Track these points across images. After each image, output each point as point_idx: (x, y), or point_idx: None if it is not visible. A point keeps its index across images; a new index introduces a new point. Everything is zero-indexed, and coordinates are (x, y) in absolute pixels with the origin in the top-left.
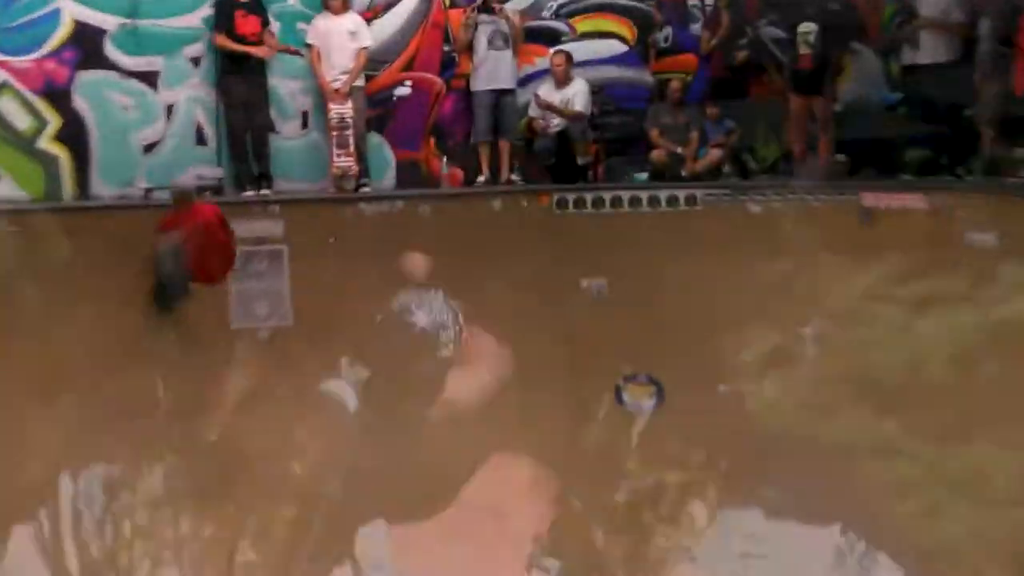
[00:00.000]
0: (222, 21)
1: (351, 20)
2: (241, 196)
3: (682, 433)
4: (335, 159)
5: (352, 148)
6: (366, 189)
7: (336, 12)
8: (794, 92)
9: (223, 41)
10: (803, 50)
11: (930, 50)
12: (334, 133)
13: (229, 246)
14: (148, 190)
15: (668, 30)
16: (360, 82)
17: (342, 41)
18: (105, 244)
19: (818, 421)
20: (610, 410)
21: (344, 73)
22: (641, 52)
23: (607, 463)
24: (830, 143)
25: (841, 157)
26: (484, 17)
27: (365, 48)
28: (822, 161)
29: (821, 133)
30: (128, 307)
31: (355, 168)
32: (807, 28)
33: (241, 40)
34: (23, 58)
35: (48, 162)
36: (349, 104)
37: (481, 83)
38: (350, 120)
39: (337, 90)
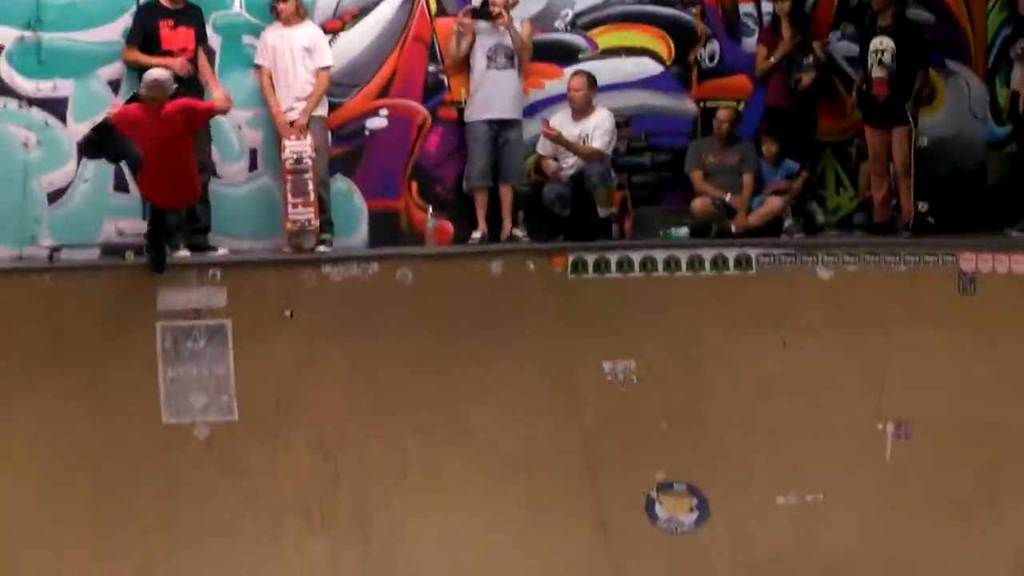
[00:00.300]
0: (139, 31)
1: (306, 33)
2: (173, 256)
3: (732, 558)
4: (290, 210)
5: (312, 196)
6: (325, 248)
7: (287, 22)
8: (869, 125)
9: (135, 56)
10: (877, 72)
11: None
12: (289, 177)
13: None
14: (53, 250)
15: (714, 45)
16: (321, 111)
17: (295, 59)
18: None
19: (908, 541)
20: (640, 528)
21: (301, 100)
22: (680, 73)
23: None
24: (912, 190)
25: (923, 205)
26: (483, 25)
27: (325, 68)
28: (904, 213)
29: (901, 177)
30: (30, 395)
31: (315, 222)
32: (881, 44)
33: (167, 56)
34: None
35: None
36: (308, 140)
37: (477, 112)
38: (309, 161)
39: (292, 122)
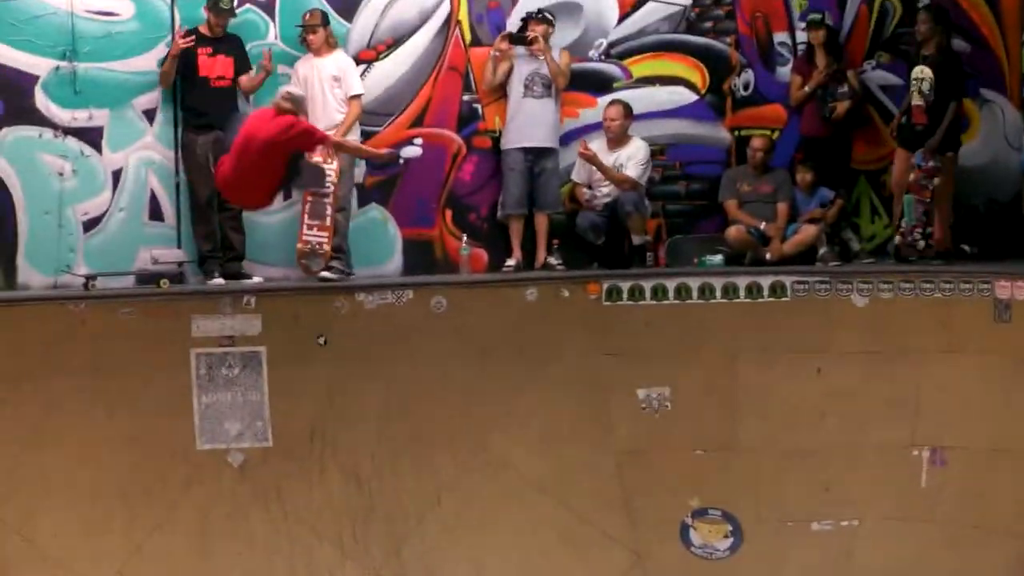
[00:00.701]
0: (177, 55)
1: (335, 62)
2: (208, 285)
3: None
4: (304, 231)
5: (328, 221)
6: (330, 274)
7: (318, 53)
8: (903, 151)
9: (169, 67)
10: (916, 100)
11: None
12: (310, 199)
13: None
14: (89, 278)
15: (749, 75)
16: (352, 138)
17: (324, 88)
18: (33, 346)
19: (944, 568)
20: (674, 554)
21: (330, 129)
22: (715, 102)
23: None
24: (947, 218)
25: (968, 247)
26: (520, 52)
27: (356, 97)
28: (938, 241)
29: (936, 205)
30: (68, 420)
31: (327, 246)
32: (921, 73)
33: (204, 83)
34: None
35: None
36: (335, 164)
37: (514, 140)
38: (331, 185)
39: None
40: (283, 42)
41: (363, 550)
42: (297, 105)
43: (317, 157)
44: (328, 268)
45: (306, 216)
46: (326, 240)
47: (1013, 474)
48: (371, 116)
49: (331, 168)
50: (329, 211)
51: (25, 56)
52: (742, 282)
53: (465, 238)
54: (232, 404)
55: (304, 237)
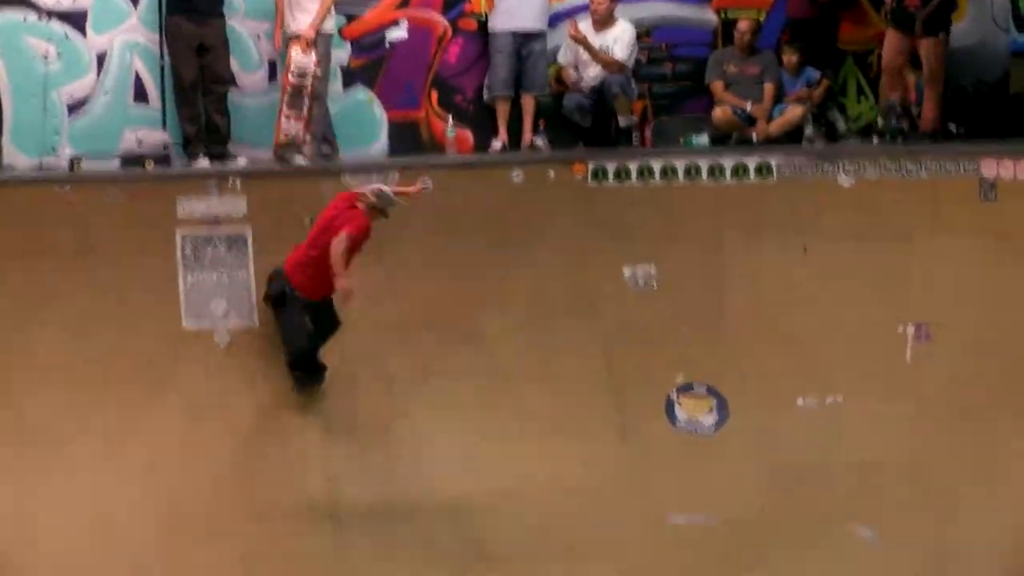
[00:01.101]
0: None
1: None
2: (193, 167)
3: (751, 459)
4: (283, 122)
5: (304, 111)
6: (302, 161)
7: None
8: (895, 32)
9: None
10: None
11: None
12: (288, 89)
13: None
14: (74, 160)
15: None
16: (328, 27)
17: None
18: (19, 228)
19: (929, 443)
20: (660, 431)
21: (307, 13)
22: None
23: (652, 501)
24: (938, 98)
25: (953, 126)
26: None
27: None
28: (927, 121)
29: (927, 85)
30: (53, 301)
31: (304, 136)
32: None
33: None
34: None
35: None
36: (313, 57)
37: (502, 22)
38: (311, 77)
39: (298, 35)
40: None
41: (351, 429)
42: (382, 207)
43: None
44: (301, 153)
45: (284, 107)
46: (302, 130)
47: (997, 351)
48: None
49: (311, 61)
50: (307, 103)
51: None
52: (728, 163)
53: (451, 120)
54: (218, 284)
55: (283, 129)
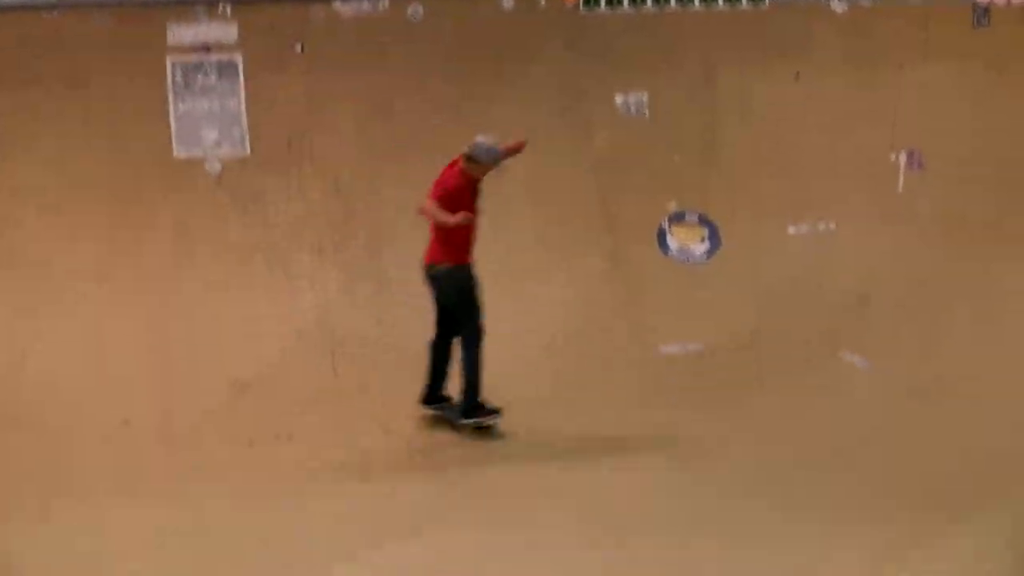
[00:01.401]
0: None
1: None
2: None
3: (742, 286)
4: None
5: None
6: None
7: None
8: None
9: None
10: None
11: None
12: None
13: None
14: None
15: None
16: None
17: None
18: (8, 56)
19: (921, 271)
20: (651, 258)
21: None
22: None
23: (643, 328)
24: None
25: None
26: None
27: None
28: None
29: None
30: (44, 125)
31: None
32: None
33: None
34: None
35: None
36: None
37: None
38: None
39: None
40: None
41: (342, 256)
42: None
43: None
44: None
45: None
46: None
47: (988, 178)
48: None
49: None
50: None
51: None
52: None
53: None
54: (209, 112)
55: None
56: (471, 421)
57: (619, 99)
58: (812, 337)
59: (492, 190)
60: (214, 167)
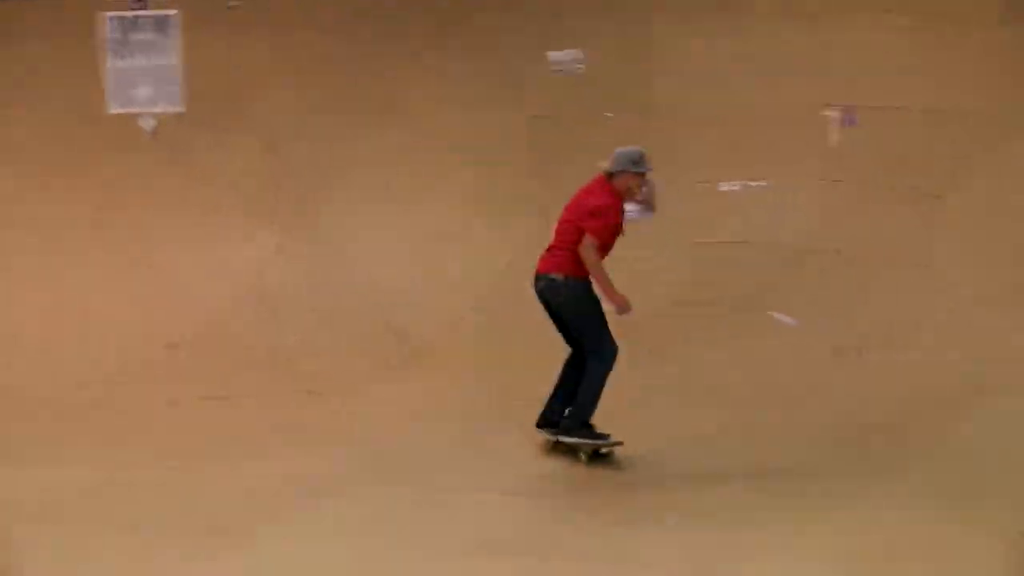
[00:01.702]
0: None
1: None
2: None
3: (675, 241)
4: None
5: None
6: None
7: None
8: None
9: None
10: None
11: None
12: None
13: None
14: None
15: None
16: None
17: None
18: None
19: (853, 226)
20: None
21: None
22: None
23: None
24: None
25: None
26: None
27: None
28: None
29: None
30: None
31: None
32: None
33: None
34: None
35: None
36: None
37: None
38: None
39: None
40: None
41: (275, 215)
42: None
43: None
44: None
45: None
46: None
47: (923, 132)
48: None
49: None
50: None
51: None
52: None
53: None
54: (144, 69)
55: None
56: (579, 441)
57: (553, 56)
58: (742, 295)
59: (424, 146)
60: (148, 124)
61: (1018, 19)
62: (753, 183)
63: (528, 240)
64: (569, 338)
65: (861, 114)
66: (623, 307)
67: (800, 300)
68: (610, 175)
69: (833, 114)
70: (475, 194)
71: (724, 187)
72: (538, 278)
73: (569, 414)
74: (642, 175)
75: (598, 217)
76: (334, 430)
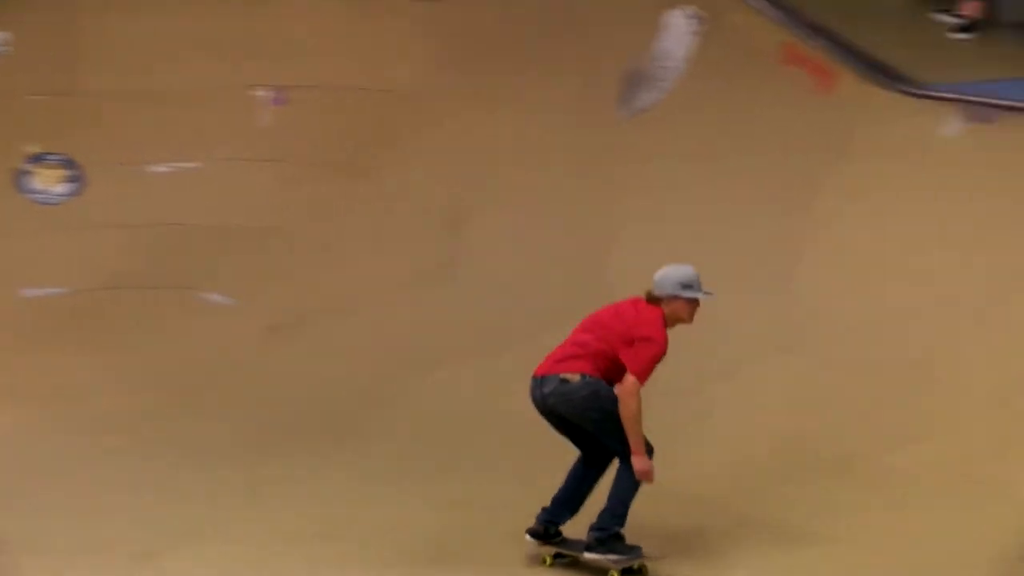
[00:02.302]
0: None
1: None
2: None
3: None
4: None
5: None
6: None
7: None
8: None
9: None
10: None
11: None
12: None
13: None
14: None
15: None
16: None
17: None
18: None
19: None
20: (10, 200)
21: None
22: None
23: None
24: None
25: None
26: None
27: None
28: None
29: None
30: None
31: None
32: None
33: None
34: None
35: None
36: None
37: None
38: None
39: None
40: None
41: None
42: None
43: None
44: None
45: None
46: None
47: (352, 111)
48: None
49: None
50: None
51: None
52: None
53: None
54: None
55: None
56: (610, 558)
57: None
58: (176, 277)
59: None
60: None
61: None
62: (184, 164)
63: None
64: (581, 442)
65: (292, 94)
66: (648, 475)
67: (235, 280)
68: (656, 300)
69: (263, 94)
70: None
71: (154, 169)
72: (541, 381)
73: (599, 524)
74: (696, 303)
75: (650, 346)
76: None
